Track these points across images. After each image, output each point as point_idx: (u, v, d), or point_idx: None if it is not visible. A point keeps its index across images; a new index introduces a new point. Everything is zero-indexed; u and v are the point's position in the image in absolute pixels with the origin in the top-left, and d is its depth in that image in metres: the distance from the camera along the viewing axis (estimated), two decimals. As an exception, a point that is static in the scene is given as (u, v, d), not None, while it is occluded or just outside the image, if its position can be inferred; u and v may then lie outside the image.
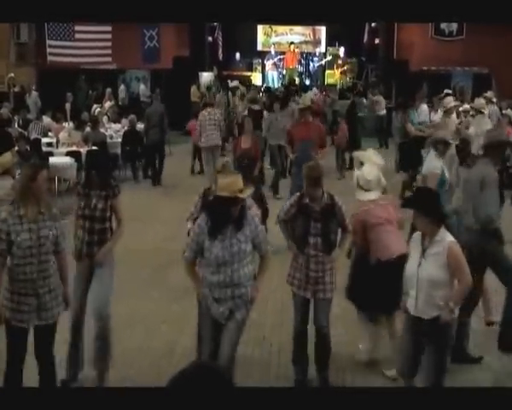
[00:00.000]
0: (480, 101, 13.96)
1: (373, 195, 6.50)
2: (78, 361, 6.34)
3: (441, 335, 5.19)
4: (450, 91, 17.43)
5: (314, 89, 20.28)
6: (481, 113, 13.37)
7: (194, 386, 2.28)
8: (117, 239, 6.34)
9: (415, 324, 5.27)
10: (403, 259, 5.65)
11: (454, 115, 13.65)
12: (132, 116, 16.53)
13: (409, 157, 14.10)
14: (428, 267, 5.09)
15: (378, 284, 6.18)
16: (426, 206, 5.15)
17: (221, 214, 5.31)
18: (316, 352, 6.25)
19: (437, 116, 14.54)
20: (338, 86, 25.32)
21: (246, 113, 15.47)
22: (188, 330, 7.39)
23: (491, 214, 6.62)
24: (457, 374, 6.13)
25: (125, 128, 16.78)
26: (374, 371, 6.51)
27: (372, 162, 6.70)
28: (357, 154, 7.32)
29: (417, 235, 5.30)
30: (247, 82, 23.61)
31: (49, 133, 15.54)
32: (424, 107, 16.83)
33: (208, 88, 20.81)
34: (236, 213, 5.31)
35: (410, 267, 5.26)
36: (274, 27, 27.50)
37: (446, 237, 5.13)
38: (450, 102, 13.76)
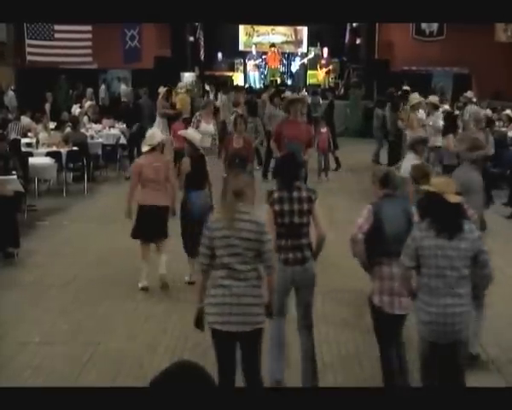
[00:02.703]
0: (434, 98, 14.09)
1: (146, 147, 8.60)
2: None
3: None
4: (408, 88, 17.66)
5: (304, 91, 20.01)
6: (437, 108, 13.52)
7: (177, 385, 2.24)
8: (319, 249, 6.04)
9: None
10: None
11: (422, 111, 13.74)
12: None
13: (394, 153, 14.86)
14: None
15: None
16: None
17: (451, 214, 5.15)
18: None
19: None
20: (321, 86, 25.28)
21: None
22: (170, 331, 7.37)
23: None
24: None
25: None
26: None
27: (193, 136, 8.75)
28: (183, 132, 9.38)
29: None
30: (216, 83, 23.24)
31: (29, 134, 15.39)
32: None
33: (188, 90, 20.62)
34: None
35: None
36: (256, 27, 27.45)
37: None
38: (415, 98, 13.88)
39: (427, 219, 5.17)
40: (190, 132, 9.20)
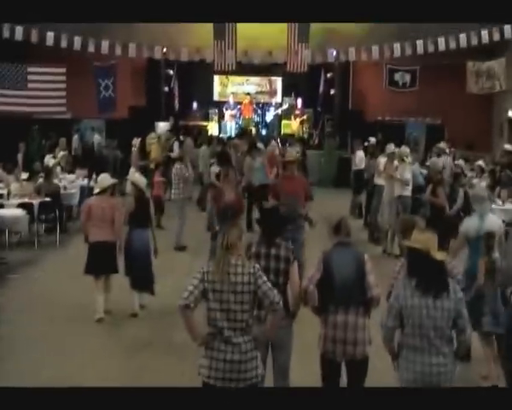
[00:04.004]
0: (404, 150, 14.18)
1: (96, 190, 9.79)
2: None
3: None
4: (373, 139, 17.78)
5: (273, 142, 20.04)
6: (403, 160, 13.60)
7: None
8: (296, 309, 5.93)
9: None
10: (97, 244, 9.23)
11: (396, 162, 13.80)
12: None
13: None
14: None
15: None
16: None
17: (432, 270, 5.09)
18: None
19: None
20: (295, 136, 25.38)
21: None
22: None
23: None
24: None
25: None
26: None
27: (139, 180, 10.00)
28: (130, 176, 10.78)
29: None
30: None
31: (0, 184, 15.18)
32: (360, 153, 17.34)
33: (159, 137, 20.64)
34: None
35: None
36: (230, 78, 27.63)
37: None
38: (390, 148, 14.00)
39: (413, 278, 5.09)
40: (137, 176, 10.40)
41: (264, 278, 5.03)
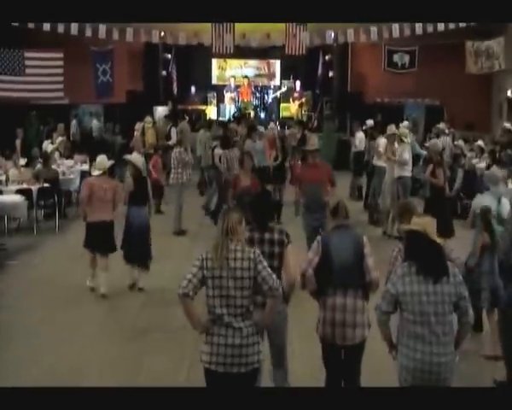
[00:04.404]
0: (403, 130, 14.05)
1: (96, 172, 9.85)
2: None
3: None
4: (371, 121, 17.61)
5: (271, 123, 20.01)
6: (402, 141, 13.51)
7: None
8: (289, 294, 5.85)
9: None
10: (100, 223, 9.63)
11: (396, 143, 13.74)
12: None
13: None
14: None
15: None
16: None
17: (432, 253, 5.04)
18: None
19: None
20: (294, 119, 25.26)
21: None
22: (144, 373, 7.18)
23: None
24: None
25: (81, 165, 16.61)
26: None
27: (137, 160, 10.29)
28: (128, 156, 10.77)
29: None
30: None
31: (-1, 170, 15.13)
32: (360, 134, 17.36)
33: (154, 122, 20.51)
34: None
35: None
36: (229, 61, 27.49)
37: None
38: (392, 129, 13.92)
39: (411, 262, 5.03)
40: (134, 156, 10.77)
41: (265, 264, 4.97)
